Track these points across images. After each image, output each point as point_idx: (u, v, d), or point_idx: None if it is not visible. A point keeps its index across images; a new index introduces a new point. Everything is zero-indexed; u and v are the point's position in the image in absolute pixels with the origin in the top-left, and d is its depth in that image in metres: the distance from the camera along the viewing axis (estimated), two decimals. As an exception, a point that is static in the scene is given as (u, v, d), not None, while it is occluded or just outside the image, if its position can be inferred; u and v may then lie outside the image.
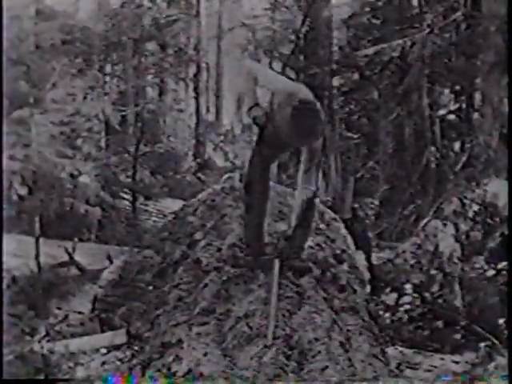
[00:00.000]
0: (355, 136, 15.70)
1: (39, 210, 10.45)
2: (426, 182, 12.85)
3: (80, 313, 7.46)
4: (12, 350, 5.38)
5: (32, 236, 10.05)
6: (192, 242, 6.51)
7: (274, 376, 3.75)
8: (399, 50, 12.49)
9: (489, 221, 8.75)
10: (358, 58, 13.38)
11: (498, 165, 10.61)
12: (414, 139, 13.37)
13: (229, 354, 4.00)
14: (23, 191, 10.76)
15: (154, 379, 3.85)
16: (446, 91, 14.26)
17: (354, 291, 5.39)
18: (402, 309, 7.65)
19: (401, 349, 6.39)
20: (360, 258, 7.74)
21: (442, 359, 6.19)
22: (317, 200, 6.08)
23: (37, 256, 9.62)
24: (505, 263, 7.98)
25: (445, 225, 8.70)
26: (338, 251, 6.31)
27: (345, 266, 5.94)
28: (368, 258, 8.34)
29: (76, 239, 10.60)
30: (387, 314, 7.52)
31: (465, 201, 8.97)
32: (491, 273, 8.13)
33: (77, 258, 10.05)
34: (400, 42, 12.49)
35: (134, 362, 4.81)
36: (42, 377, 5.09)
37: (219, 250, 5.94)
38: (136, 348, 5.49)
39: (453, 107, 14.19)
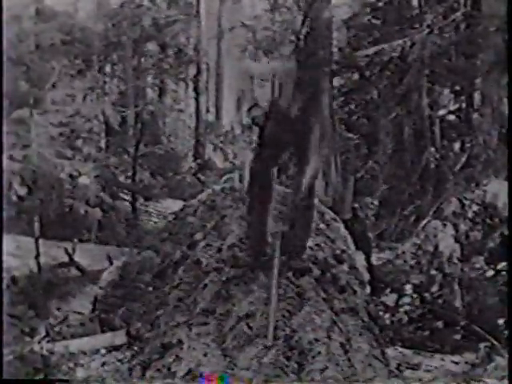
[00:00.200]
0: (355, 136, 15.67)
1: (39, 211, 10.45)
2: (426, 182, 12.84)
3: (80, 313, 7.46)
4: (12, 350, 5.38)
5: (32, 236, 10.05)
6: (192, 243, 6.51)
7: (274, 376, 3.75)
8: (399, 50, 12.48)
9: (488, 221, 8.75)
10: (358, 58, 13.37)
11: (497, 165, 10.61)
12: (413, 139, 13.36)
13: (229, 355, 4.00)
14: (23, 192, 10.76)
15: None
16: (446, 91, 14.24)
17: (354, 292, 5.39)
18: (401, 309, 7.65)
19: (401, 349, 6.39)
20: (360, 258, 7.75)
21: (442, 360, 6.19)
22: (316, 200, 6.09)
23: (37, 256, 9.62)
24: (504, 263, 7.98)
25: (444, 225, 8.70)
26: (338, 251, 6.32)
27: (345, 267, 5.94)
28: (368, 259, 8.34)
29: (76, 240, 10.60)
30: (387, 315, 7.52)
31: (464, 201, 8.97)
32: (491, 273, 8.13)
33: (77, 258, 10.05)
34: (400, 42, 12.48)
35: (134, 362, 4.81)
36: (41, 377, 5.09)
37: (219, 250, 5.94)
38: (136, 348, 5.49)
39: (452, 107, 14.17)
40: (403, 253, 8.86)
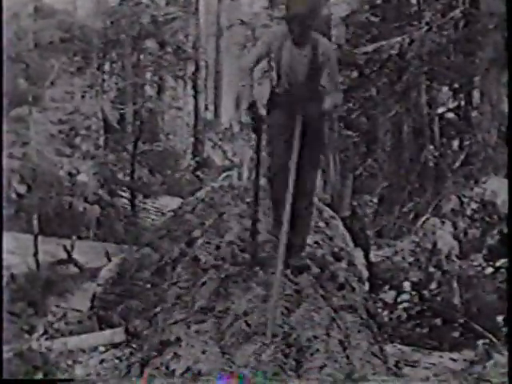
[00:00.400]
0: (354, 134, 15.68)
1: (38, 208, 10.48)
2: (425, 179, 12.85)
3: (78, 311, 7.47)
4: (11, 347, 5.38)
5: (31, 234, 10.06)
6: (190, 240, 6.51)
7: (273, 374, 3.75)
8: (398, 48, 12.47)
9: (487, 219, 8.76)
10: (356, 55, 13.36)
11: (496, 163, 10.62)
12: (412, 137, 13.37)
13: (227, 352, 4.00)
14: (22, 189, 10.78)
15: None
16: (445, 89, 14.25)
17: (353, 289, 5.39)
18: (400, 306, 7.66)
19: (399, 346, 6.40)
20: (358, 255, 7.76)
21: (441, 357, 6.20)
22: (315, 199, 6.09)
23: (35, 254, 9.64)
24: (503, 261, 7.98)
25: (443, 223, 8.71)
26: (337, 249, 6.32)
27: (343, 264, 5.94)
28: (366, 256, 8.35)
29: (74, 237, 10.63)
30: (386, 312, 7.53)
31: (463, 199, 8.98)
32: (490, 270, 8.14)
33: (75, 255, 10.08)
34: (399, 39, 12.48)
35: (133, 359, 4.81)
36: (40, 375, 5.09)
37: (218, 247, 5.94)
38: (134, 346, 5.50)
39: (451, 105, 14.17)
40: (402, 250, 8.87)
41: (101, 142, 16.51)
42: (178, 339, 4.22)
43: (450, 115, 14.13)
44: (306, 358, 3.99)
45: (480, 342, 6.57)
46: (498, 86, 11.19)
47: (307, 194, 5.41)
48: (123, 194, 15.73)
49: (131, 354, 5.36)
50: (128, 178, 15.89)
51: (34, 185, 10.51)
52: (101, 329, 6.59)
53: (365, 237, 9.04)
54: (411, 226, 10.53)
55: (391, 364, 4.80)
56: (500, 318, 6.89)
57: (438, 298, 7.70)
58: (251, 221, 5.55)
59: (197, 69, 22.34)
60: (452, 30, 12.89)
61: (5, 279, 7.62)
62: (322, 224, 7.00)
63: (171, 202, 14.59)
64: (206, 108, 24.04)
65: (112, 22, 18.30)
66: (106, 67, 20.30)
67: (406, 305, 7.68)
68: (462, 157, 12.38)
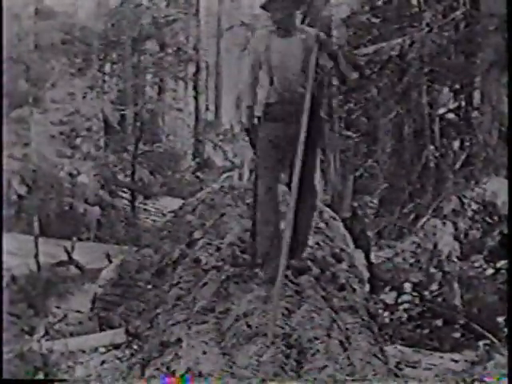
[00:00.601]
0: (354, 135, 15.69)
1: (38, 209, 10.48)
2: (425, 180, 12.85)
3: (79, 312, 7.48)
4: (11, 348, 5.38)
5: (31, 235, 10.07)
6: (191, 241, 6.51)
7: (274, 375, 3.75)
8: (398, 49, 12.47)
9: (488, 219, 8.75)
10: (357, 56, 13.36)
11: (497, 163, 10.62)
12: (413, 138, 13.37)
13: (228, 353, 4.00)
14: (22, 190, 10.79)
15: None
16: (446, 90, 14.24)
17: (354, 290, 5.38)
18: (401, 307, 7.66)
19: (400, 347, 6.39)
20: (359, 256, 7.75)
21: (441, 358, 6.20)
22: (318, 199, 6.07)
23: (36, 255, 9.64)
24: (504, 262, 7.98)
25: (444, 224, 8.70)
26: (337, 250, 6.31)
27: (344, 265, 5.94)
28: (367, 257, 8.35)
29: (75, 238, 10.63)
30: (386, 313, 7.53)
31: (464, 199, 8.97)
32: (490, 271, 8.14)
33: (76, 257, 10.08)
34: (399, 40, 12.48)
35: (133, 360, 4.80)
36: (41, 375, 5.09)
37: (218, 249, 5.94)
38: (135, 347, 5.49)
39: (452, 106, 14.17)
40: (402, 251, 8.87)
41: (101, 143, 16.54)
42: (179, 340, 4.22)
43: (451, 116, 14.13)
44: (306, 358, 3.98)
45: (481, 342, 6.57)
46: (498, 86, 11.20)
47: (311, 194, 5.35)
48: (124, 195, 15.75)
49: (132, 354, 5.36)
50: (128, 179, 15.91)
51: (35, 186, 10.51)
52: (101, 330, 6.60)
53: (365, 238, 9.03)
54: (412, 227, 10.52)
55: (392, 365, 4.80)
56: (501, 319, 6.90)
57: (439, 299, 7.70)
58: (252, 222, 5.54)
59: (197, 70, 22.38)
60: (453, 31, 12.89)
61: (5, 280, 7.64)
62: (322, 225, 6.99)
63: (172, 203, 14.60)
64: (207, 109, 24.08)
65: (113, 24, 18.34)
66: (107, 68, 20.33)
67: (406, 306, 7.68)
68: (463, 157, 12.38)
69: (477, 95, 12.96)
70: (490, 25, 11.15)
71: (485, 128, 11.30)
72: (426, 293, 7.81)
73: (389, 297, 7.88)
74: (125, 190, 15.82)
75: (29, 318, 6.88)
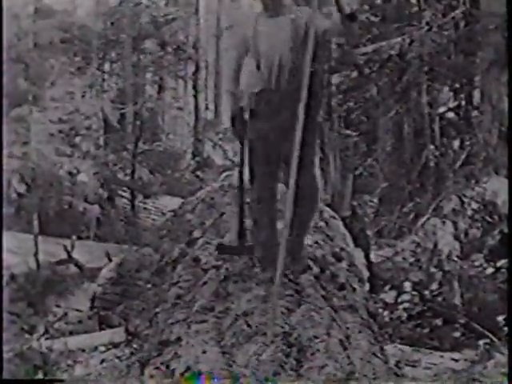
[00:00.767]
0: (354, 134, 15.67)
1: (38, 208, 10.48)
2: (425, 179, 12.84)
3: (79, 311, 7.48)
4: (11, 347, 5.38)
5: (31, 234, 10.06)
6: (191, 240, 6.50)
7: (273, 373, 3.75)
8: (398, 48, 12.47)
9: (488, 219, 8.75)
10: (356, 55, 13.35)
11: (497, 163, 10.61)
12: (413, 137, 13.36)
13: (228, 352, 4.00)
14: (22, 189, 10.79)
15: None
16: (445, 89, 14.23)
17: (353, 289, 5.38)
18: (401, 307, 7.66)
19: (400, 346, 6.39)
20: (359, 255, 7.74)
21: (442, 357, 6.19)
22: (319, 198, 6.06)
23: (36, 253, 9.63)
24: (504, 261, 7.98)
25: (444, 223, 8.70)
26: (337, 249, 6.31)
27: (344, 264, 5.93)
28: (367, 256, 8.34)
29: (74, 237, 10.62)
30: (386, 312, 7.52)
31: (464, 199, 8.97)
32: (490, 271, 8.13)
33: (75, 255, 10.08)
34: (399, 39, 12.47)
35: (133, 359, 4.81)
36: (40, 374, 5.09)
37: (218, 248, 5.93)
38: (135, 346, 5.50)
39: (452, 105, 14.16)
40: (402, 250, 8.87)
41: (101, 141, 16.53)
42: (179, 339, 4.22)
43: (451, 115, 14.11)
44: (306, 357, 3.98)
45: (481, 341, 6.57)
46: (498, 85, 11.20)
47: (310, 193, 5.17)
48: (123, 193, 15.75)
49: (131, 353, 5.37)
50: (128, 178, 15.91)
51: (34, 184, 10.50)
52: (101, 329, 6.60)
53: (365, 237, 9.02)
54: (412, 226, 10.52)
55: (392, 364, 4.80)
56: (501, 318, 6.89)
57: (439, 299, 7.70)
58: (252, 221, 5.53)
59: (197, 69, 22.36)
60: (452, 30, 12.88)
61: (5, 279, 7.63)
62: (322, 224, 6.98)
63: (171, 202, 14.59)
64: (207, 108, 24.09)
65: (112, 23, 18.33)
66: (106, 67, 20.32)
67: (406, 305, 7.67)
68: (463, 157, 12.37)
69: (477, 94, 12.95)
70: (489, 24, 11.15)
71: (485, 127, 11.30)
72: (426, 292, 7.81)
73: (389, 296, 7.87)
74: (124, 188, 15.83)
75: (28, 317, 6.88)
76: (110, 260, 8.82)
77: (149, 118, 19.78)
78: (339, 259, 6.01)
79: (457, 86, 13.91)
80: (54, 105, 11.48)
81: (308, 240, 5.75)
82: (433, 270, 8.10)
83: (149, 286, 6.62)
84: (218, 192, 8.36)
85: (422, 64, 12.77)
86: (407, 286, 7.91)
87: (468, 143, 12.78)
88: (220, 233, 6.41)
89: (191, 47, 21.84)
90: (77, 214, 12.89)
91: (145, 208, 16.10)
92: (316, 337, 4.16)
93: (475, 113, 13.01)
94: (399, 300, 7.77)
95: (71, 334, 6.44)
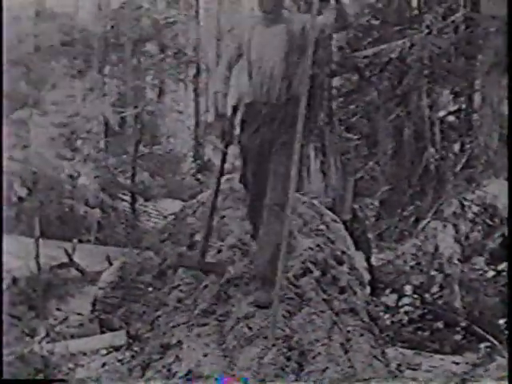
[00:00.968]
0: (355, 137, 15.68)
1: (39, 211, 10.45)
2: (426, 183, 12.85)
3: (80, 314, 7.47)
4: (12, 350, 5.37)
5: (32, 237, 10.05)
6: (192, 244, 6.50)
7: (274, 376, 3.75)
8: (398, 51, 12.48)
9: (489, 222, 8.75)
10: (357, 59, 13.37)
11: (497, 166, 10.62)
12: (413, 140, 13.37)
13: (229, 355, 4.00)
14: (23, 192, 10.77)
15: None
16: (446, 92, 14.24)
17: (354, 292, 5.38)
18: (401, 310, 7.66)
19: (401, 350, 6.40)
20: (360, 259, 7.74)
21: (442, 360, 6.20)
22: (316, 201, 6.07)
23: (36, 257, 9.62)
24: (505, 264, 7.98)
25: (444, 226, 8.70)
26: (338, 252, 6.30)
27: (345, 268, 5.93)
28: (368, 260, 8.34)
29: (75, 240, 10.62)
30: (387, 315, 7.53)
31: (464, 202, 8.97)
32: (491, 274, 8.14)
33: (76, 259, 10.07)
34: (399, 43, 12.48)
35: (134, 363, 4.80)
36: (41, 378, 5.09)
37: (219, 251, 5.93)
38: (136, 349, 5.49)
39: (452, 108, 14.19)
40: (403, 253, 8.86)
41: (102, 145, 16.52)
42: (180, 342, 4.23)
43: (451, 118, 14.14)
44: (307, 361, 3.99)
45: (482, 344, 6.58)
46: (498, 89, 11.20)
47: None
48: (124, 197, 15.74)
49: (132, 357, 5.36)
50: (129, 181, 15.90)
51: (35, 188, 10.49)
52: (102, 332, 6.59)
53: (366, 240, 9.02)
54: (412, 230, 10.52)
55: (393, 367, 4.80)
56: (502, 321, 6.90)
57: (440, 302, 7.70)
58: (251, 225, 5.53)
59: (197, 72, 22.37)
60: (453, 34, 12.89)
61: (6, 282, 7.63)
62: (323, 227, 6.98)
63: (172, 205, 14.59)
64: (207, 111, 24.07)
65: (113, 26, 18.32)
66: (107, 70, 20.31)
67: (407, 308, 7.67)
68: (463, 160, 12.37)
69: (477, 97, 12.96)
70: (490, 27, 11.17)
71: (485, 130, 11.31)
72: (427, 295, 7.81)
73: (390, 299, 7.87)
74: (125, 192, 15.81)
75: (29, 320, 6.87)
76: (111, 263, 8.81)
77: (149, 121, 19.78)
78: (340, 262, 6.01)
79: (457, 89, 13.94)
80: (54, 108, 11.46)
81: (310, 243, 5.75)
82: (434, 273, 8.10)
83: (150, 289, 6.61)
84: (219, 195, 8.34)
85: (422, 67, 12.78)
86: (408, 289, 7.91)
87: (468, 146, 12.79)
88: (221, 236, 6.41)
89: (192, 50, 21.85)
90: (78, 218, 12.88)
91: (145, 211, 16.09)
92: (317, 340, 4.17)
93: (475, 116, 13.02)
94: (400, 303, 7.77)
95: (72, 337, 6.44)
